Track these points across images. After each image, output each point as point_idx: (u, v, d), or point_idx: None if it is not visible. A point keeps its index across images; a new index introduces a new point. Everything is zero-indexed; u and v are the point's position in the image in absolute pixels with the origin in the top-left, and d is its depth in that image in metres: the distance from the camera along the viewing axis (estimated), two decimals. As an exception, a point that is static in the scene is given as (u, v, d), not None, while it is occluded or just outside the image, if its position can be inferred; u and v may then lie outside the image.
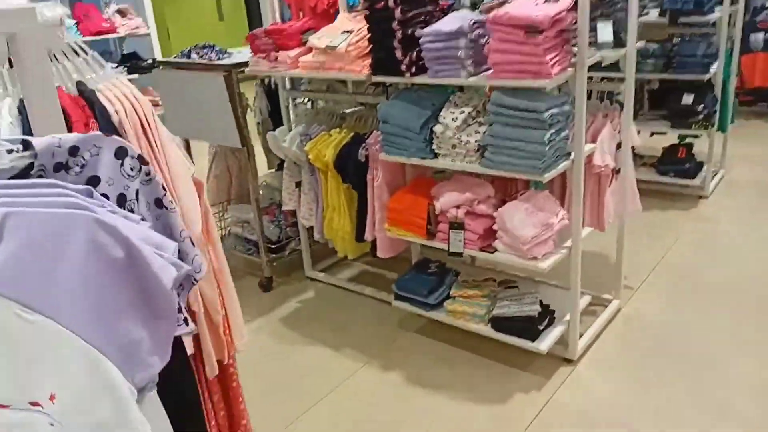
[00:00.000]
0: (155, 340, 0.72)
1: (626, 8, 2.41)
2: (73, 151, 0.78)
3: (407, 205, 2.50)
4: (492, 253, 2.31)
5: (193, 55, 3.12)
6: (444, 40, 2.16)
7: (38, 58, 0.83)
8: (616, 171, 2.55)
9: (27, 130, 0.95)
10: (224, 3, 7.04)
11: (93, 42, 4.65)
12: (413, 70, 2.28)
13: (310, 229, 3.05)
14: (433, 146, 2.35)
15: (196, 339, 1.16)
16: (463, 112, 2.26)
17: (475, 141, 2.21)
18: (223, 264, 1.25)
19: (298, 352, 2.69)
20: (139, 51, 4.96)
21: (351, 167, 2.66)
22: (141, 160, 0.82)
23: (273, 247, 3.24)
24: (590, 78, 2.27)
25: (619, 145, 2.53)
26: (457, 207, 2.36)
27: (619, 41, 2.44)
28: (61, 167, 0.77)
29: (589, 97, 2.50)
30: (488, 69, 2.14)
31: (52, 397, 0.63)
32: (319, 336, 2.79)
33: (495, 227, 2.29)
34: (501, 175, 2.22)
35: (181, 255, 0.82)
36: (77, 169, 0.78)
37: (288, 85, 3.09)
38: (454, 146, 2.28)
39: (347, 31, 2.53)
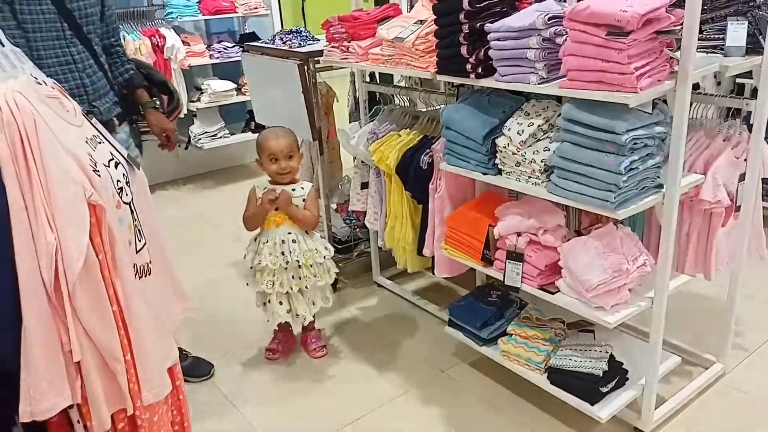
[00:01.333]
0: None
1: (770, 3, 1.86)
2: None
3: (466, 224, 2.19)
4: (553, 293, 1.94)
5: (277, 41, 3.00)
6: (514, 38, 1.80)
7: None
8: (736, 208, 2.02)
9: None
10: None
11: (215, 21, 4.78)
12: (479, 70, 1.95)
13: (377, 233, 2.84)
14: (497, 161, 2.01)
15: (82, 386, 1.01)
16: (532, 124, 1.89)
17: (541, 160, 1.84)
18: (132, 302, 1.08)
19: (342, 364, 2.51)
20: (259, 31, 5.01)
21: (412, 174, 2.39)
22: None
23: (341, 247, 3.07)
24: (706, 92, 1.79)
25: (742, 177, 2.00)
26: (518, 234, 2.01)
27: (755, 46, 1.91)
28: None
29: (708, 115, 2.00)
30: (564, 76, 1.75)
31: None
32: (369, 349, 2.58)
33: (561, 263, 1.91)
34: (568, 204, 1.83)
35: None
36: None
37: (368, 78, 2.87)
38: (518, 163, 1.93)
39: (420, 21, 2.24)
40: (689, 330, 2.42)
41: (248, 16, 4.73)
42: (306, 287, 2.31)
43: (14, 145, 0.95)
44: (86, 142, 1.10)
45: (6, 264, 0.95)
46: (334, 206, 3.20)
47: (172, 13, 4.32)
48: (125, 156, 1.25)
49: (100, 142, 1.16)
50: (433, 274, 2.50)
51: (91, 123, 1.18)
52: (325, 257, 2.33)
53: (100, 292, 1.03)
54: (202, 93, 4.58)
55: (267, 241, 2.28)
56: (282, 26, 5.23)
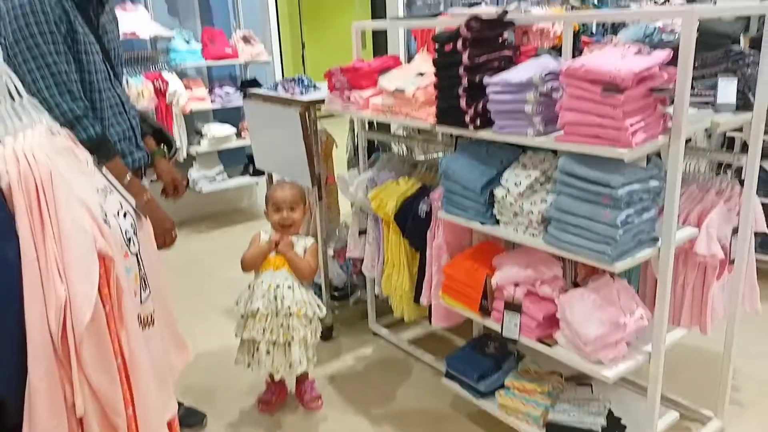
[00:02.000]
0: None
1: (758, 63, 1.93)
2: None
3: (464, 273, 2.19)
4: (551, 346, 1.94)
5: (280, 88, 3.07)
6: (511, 92, 1.85)
7: None
8: (730, 261, 2.05)
9: None
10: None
11: (218, 66, 4.87)
12: (477, 122, 2.00)
13: (374, 281, 2.84)
14: (495, 211, 2.03)
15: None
16: (529, 176, 1.93)
17: (539, 212, 1.87)
18: (137, 354, 1.08)
19: (337, 415, 2.47)
20: (260, 77, 5.10)
21: (410, 222, 2.41)
22: None
23: (337, 294, 3.07)
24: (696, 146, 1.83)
25: (736, 230, 2.03)
26: (516, 285, 2.02)
27: (745, 102, 1.97)
28: None
29: (699, 169, 2.05)
30: (560, 129, 1.79)
31: None
32: (364, 400, 2.55)
33: (558, 315, 1.92)
34: (565, 257, 1.85)
35: None
36: None
37: (367, 126, 2.92)
38: (516, 214, 1.95)
39: (420, 74, 2.30)
40: (687, 384, 2.41)
41: (250, 63, 4.83)
42: (292, 338, 2.27)
43: (30, 196, 0.96)
44: (97, 192, 1.12)
45: (15, 315, 0.96)
46: (331, 252, 3.21)
47: (175, 59, 4.41)
48: (133, 205, 1.26)
49: (110, 192, 1.18)
50: (430, 323, 2.50)
51: (102, 173, 1.20)
52: (314, 314, 2.32)
53: (106, 344, 1.03)
54: (202, 137, 4.64)
55: (262, 283, 2.28)
56: (282, 72, 5.34)
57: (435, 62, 2.08)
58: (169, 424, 1.26)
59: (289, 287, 2.27)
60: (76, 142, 1.18)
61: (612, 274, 1.90)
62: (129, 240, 1.17)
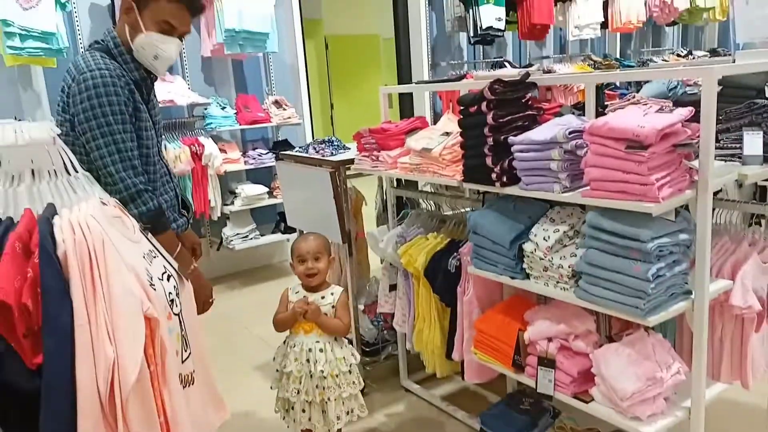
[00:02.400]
0: None
1: (782, 115, 1.95)
2: None
3: (496, 328, 2.19)
4: (587, 402, 1.91)
5: (311, 149, 3.18)
6: (536, 150, 1.90)
7: None
8: (768, 313, 2.01)
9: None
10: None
11: (251, 129, 5.06)
12: (504, 179, 2.04)
13: (405, 336, 2.84)
14: (524, 265, 2.05)
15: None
16: (558, 230, 1.95)
17: (569, 266, 1.88)
18: (178, 412, 1.12)
19: (369, 475, 2.44)
20: (291, 138, 5.29)
21: (440, 277, 2.44)
22: None
23: (368, 349, 3.07)
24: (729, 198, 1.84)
25: (772, 281, 2.00)
26: (549, 339, 2.01)
27: (772, 154, 1.98)
28: None
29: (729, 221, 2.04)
30: (586, 185, 1.83)
31: None
32: (397, 459, 2.51)
33: (593, 371, 1.90)
34: (598, 311, 1.85)
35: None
36: None
37: (395, 183, 2.99)
38: (545, 268, 1.97)
39: (446, 133, 2.38)
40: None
41: (282, 125, 5.01)
42: (328, 399, 2.26)
43: (83, 263, 1.03)
44: (143, 257, 1.19)
45: (68, 375, 1.01)
46: (361, 307, 3.23)
47: (211, 123, 4.60)
48: (176, 268, 1.33)
49: (155, 257, 1.25)
50: (463, 379, 2.48)
51: (147, 239, 1.28)
52: (351, 365, 2.31)
53: (150, 403, 1.07)
54: (236, 197, 4.78)
55: (294, 346, 2.29)
56: (312, 133, 5.51)
57: (460, 123, 2.16)
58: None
59: (321, 350, 2.24)
60: (124, 211, 1.26)
61: (646, 328, 1.88)
62: (172, 301, 1.23)
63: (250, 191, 4.77)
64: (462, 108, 2.13)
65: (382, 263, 3.41)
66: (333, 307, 2.31)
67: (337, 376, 2.25)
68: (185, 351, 1.28)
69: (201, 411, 1.31)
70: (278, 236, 5.10)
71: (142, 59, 1.86)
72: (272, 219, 5.18)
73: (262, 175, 5.03)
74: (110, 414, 1.04)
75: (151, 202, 1.70)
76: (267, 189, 4.90)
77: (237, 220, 4.88)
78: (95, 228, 1.06)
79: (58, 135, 1.16)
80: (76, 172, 1.15)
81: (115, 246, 1.09)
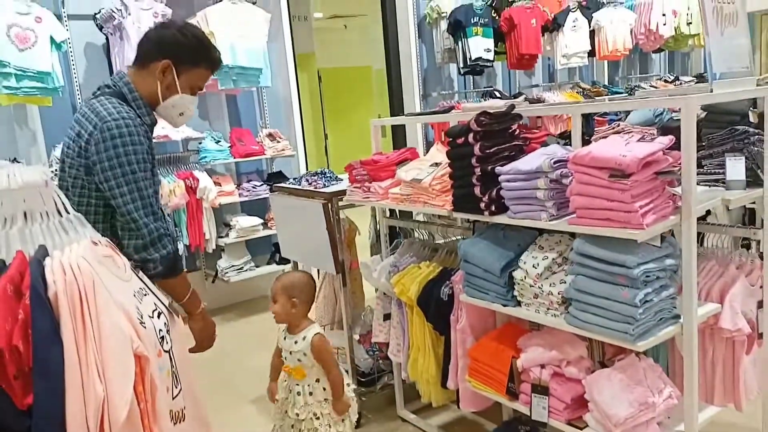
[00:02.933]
0: None
1: (762, 140, 2.00)
2: None
3: (489, 356, 2.20)
4: (581, 429, 1.91)
5: (303, 182, 3.21)
6: (523, 179, 1.94)
7: None
8: (758, 335, 2.03)
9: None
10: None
11: (245, 162, 5.10)
12: (492, 208, 2.07)
13: (400, 365, 2.84)
14: (515, 293, 2.07)
15: None
16: (547, 257, 1.98)
17: (558, 292, 1.90)
18: (170, 451, 1.12)
19: None
20: (285, 169, 5.33)
21: (433, 305, 2.45)
22: None
23: (363, 380, 3.06)
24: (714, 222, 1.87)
25: (761, 304, 2.02)
26: (542, 366, 2.02)
27: (755, 179, 2.02)
28: None
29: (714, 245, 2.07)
30: (572, 212, 1.86)
31: None
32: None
33: (586, 397, 1.90)
34: (589, 337, 1.86)
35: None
36: None
37: (388, 213, 3.02)
38: (536, 295, 1.99)
39: (436, 164, 2.42)
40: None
41: (276, 157, 5.06)
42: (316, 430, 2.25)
43: (74, 304, 1.05)
44: (134, 295, 1.21)
45: (58, 415, 1.02)
46: (357, 337, 3.23)
47: (206, 157, 4.65)
48: (167, 305, 1.35)
49: (145, 294, 1.27)
50: (458, 407, 2.47)
51: (138, 276, 1.30)
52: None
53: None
54: (230, 229, 4.79)
55: (284, 381, 2.31)
56: (306, 164, 5.56)
57: (449, 154, 2.20)
58: None
59: (299, 393, 2.25)
60: (115, 250, 1.29)
61: (637, 353, 1.89)
62: (162, 338, 1.24)
63: (244, 223, 4.79)
64: (450, 140, 2.18)
65: (376, 293, 3.43)
66: (305, 354, 2.25)
67: (317, 417, 2.23)
68: (176, 387, 1.28)
69: (193, 447, 1.32)
70: (273, 267, 5.10)
71: (165, 115, 1.93)
72: (267, 250, 5.19)
73: (256, 207, 5.05)
74: (100, 452, 1.04)
75: (170, 245, 1.73)
76: (262, 220, 4.92)
77: (232, 252, 4.89)
78: (86, 269, 1.08)
79: (67, 177, 1.17)
80: (68, 213, 1.18)
81: (105, 285, 1.10)
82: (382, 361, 3.13)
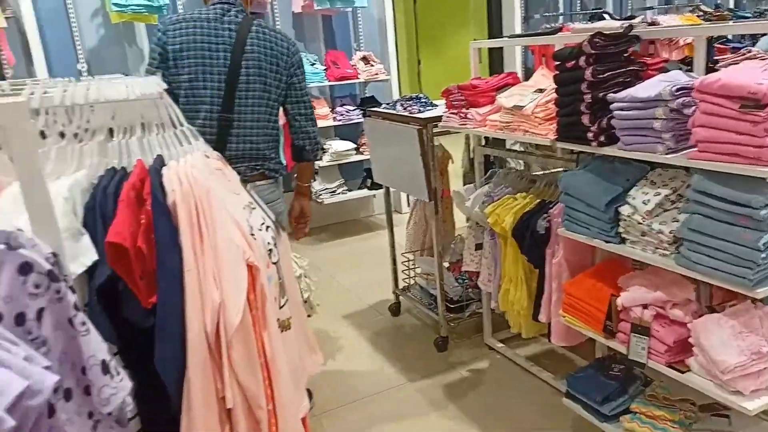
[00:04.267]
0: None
1: None
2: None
3: (586, 292, 2.14)
4: (683, 372, 1.84)
5: (398, 107, 3.16)
6: (638, 108, 1.80)
7: (26, 151, 0.86)
8: None
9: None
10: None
11: (339, 86, 5.10)
12: (602, 138, 1.95)
13: (490, 295, 2.83)
14: (620, 229, 1.97)
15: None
16: (659, 194, 1.85)
17: (670, 231, 1.79)
18: (277, 355, 1.18)
19: (449, 424, 2.49)
20: (378, 95, 5.28)
21: (528, 238, 2.39)
22: (51, 276, 0.77)
23: (452, 306, 3.09)
24: None
25: None
26: (644, 307, 1.94)
27: None
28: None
29: None
30: (693, 146, 1.71)
31: None
32: (475, 418, 2.54)
33: (691, 341, 1.82)
34: (699, 279, 1.75)
35: (87, 383, 0.76)
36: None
37: (483, 141, 2.93)
38: (644, 233, 1.88)
39: (539, 90, 2.29)
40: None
41: (369, 81, 5.00)
42: None
43: (190, 214, 1.10)
44: (244, 208, 1.25)
45: (178, 316, 1.09)
46: (446, 264, 3.25)
47: (301, 79, 4.66)
48: (273, 220, 1.38)
49: (254, 208, 1.31)
50: (549, 341, 2.45)
51: (246, 190, 1.34)
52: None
53: (252, 345, 1.14)
54: (325, 152, 4.87)
55: None
56: (400, 89, 5.48)
57: (556, 79, 2.07)
58: (303, 421, 1.36)
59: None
60: (225, 164, 1.32)
61: (754, 300, 1.77)
62: (270, 251, 1.29)
63: (338, 147, 4.84)
64: (558, 63, 2.04)
65: (467, 222, 3.39)
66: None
67: None
68: (282, 298, 1.34)
69: (297, 356, 1.38)
70: (365, 192, 5.17)
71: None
72: (359, 175, 5.25)
73: (349, 132, 5.08)
74: (216, 355, 1.12)
75: (320, 144, 2.41)
76: (354, 145, 4.95)
77: (326, 175, 4.99)
78: (199, 180, 1.12)
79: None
80: (182, 125, 1.21)
81: (218, 197, 1.15)
82: (472, 290, 3.14)
